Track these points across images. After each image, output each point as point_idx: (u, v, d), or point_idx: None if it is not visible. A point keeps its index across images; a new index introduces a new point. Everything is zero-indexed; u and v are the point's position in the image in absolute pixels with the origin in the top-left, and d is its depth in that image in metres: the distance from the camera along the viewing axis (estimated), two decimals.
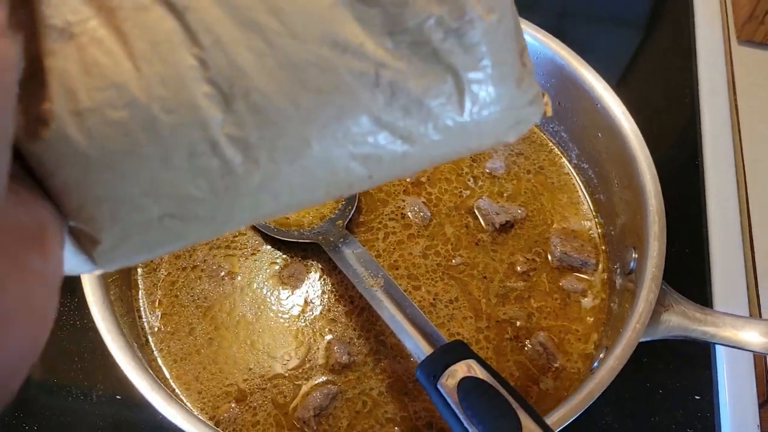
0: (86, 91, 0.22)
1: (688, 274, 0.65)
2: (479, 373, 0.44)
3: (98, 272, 0.25)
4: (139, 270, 0.59)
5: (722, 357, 0.61)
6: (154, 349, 0.55)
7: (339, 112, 0.25)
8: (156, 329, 0.56)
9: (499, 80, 0.27)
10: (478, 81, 0.26)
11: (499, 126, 0.28)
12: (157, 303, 0.58)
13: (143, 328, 0.56)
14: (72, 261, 0.25)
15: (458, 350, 0.46)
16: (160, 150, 0.23)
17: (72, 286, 0.62)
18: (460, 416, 0.43)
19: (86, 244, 0.24)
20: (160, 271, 0.59)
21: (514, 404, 0.42)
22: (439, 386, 0.44)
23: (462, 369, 0.44)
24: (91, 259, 0.25)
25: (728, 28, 0.85)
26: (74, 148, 0.22)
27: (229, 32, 0.23)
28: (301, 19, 0.24)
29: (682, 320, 0.50)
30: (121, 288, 0.55)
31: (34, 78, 0.23)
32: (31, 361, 0.22)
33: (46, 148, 0.22)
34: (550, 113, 0.30)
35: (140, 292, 0.58)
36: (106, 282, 0.51)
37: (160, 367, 0.54)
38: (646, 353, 0.57)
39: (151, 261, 0.60)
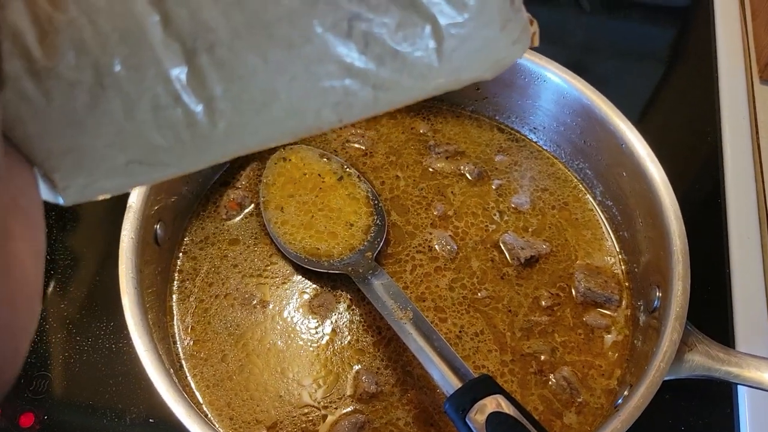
0: (41, 50, 0.21)
1: (711, 314, 0.66)
2: (507, 408, 0.45)
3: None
4: (174, 297, 0.61)
5: (744, 396, 0.61)
6: (188, 374, 0.57)
7: (309, 63, 0.24)
8: (189, 355, 0.58)
9: (483, 27, 0.25)
10: (458, 30, 0.25)
11: (478, 67, 0.27)
12: (190, 329, 0.59)
13: (178, 354, 0.58)
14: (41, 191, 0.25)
15: (486, 385, 0.47)
16: (122, 105, 0.23)
17: (109, 311, 0.64)
18: None
19: (53, 186, 0.24)
20: (192, 298, 0.61)
21: None
22: (467, 420, 0.46)
23: (490, 404, 0.46)
24: (58, 196, 0.25)
25: (751, 67, 0.86)
26: (34, 107, 0.22)
27: None
28: None
29: (706, 360, 0.51)
30: (157, 314, 0.57)
31: None
32: (29, 339, 0.22)
33: (5, 105, 0.22)
34: (537, 43, 0.28)
35: (175, 318, 0.60)
36: (144, 308, 0.53)
37: (193, 392, 0.56)
38: (668, 391, 0.58)
39: (185, 288, 0.62)
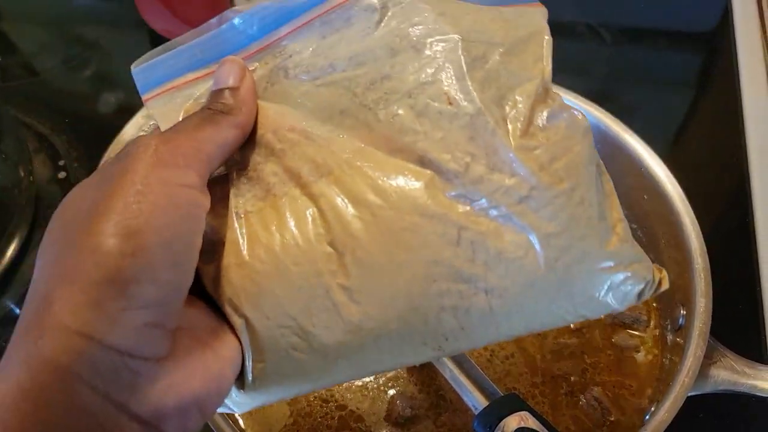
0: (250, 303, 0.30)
1: (742, 331, 0.66)
2: (532, 424, 0.47)
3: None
4: None
5: None
6: None
7: (426, 266, 0.30)
8: None
9: (579, 239, 0.31)
10: (554, 239, 0.30)
11: (590, 287, 0.32)
12: None
13: None
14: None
15: (512, 402, 0.49)
16: (299, 298, 0.30)
17: None
18: None
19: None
20: None
21: None
22: None
23: (515, 420, 0.47)
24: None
25: None
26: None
27: (346, 209, 0.31)
28: (398, 196, 0.31)
29: (731, 375, 0.52)
30: None
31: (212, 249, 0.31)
32: None
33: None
34: (666, 286, 0.33)
35: None
36: None
37: (236, 418, 0.59)
38: (701, 409, 0.58)
39: None
